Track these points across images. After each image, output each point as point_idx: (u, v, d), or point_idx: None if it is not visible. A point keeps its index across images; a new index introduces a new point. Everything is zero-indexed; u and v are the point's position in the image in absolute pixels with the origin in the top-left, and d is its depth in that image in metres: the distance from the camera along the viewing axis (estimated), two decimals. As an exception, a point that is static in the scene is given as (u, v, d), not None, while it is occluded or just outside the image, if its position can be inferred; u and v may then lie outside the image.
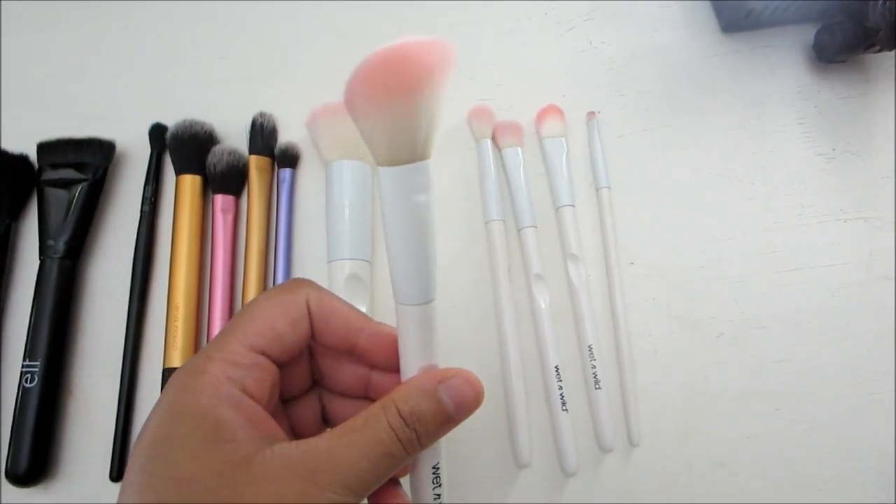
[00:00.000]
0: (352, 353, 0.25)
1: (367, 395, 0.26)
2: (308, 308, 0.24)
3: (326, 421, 0.27)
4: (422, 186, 0.21)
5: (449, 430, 0.23)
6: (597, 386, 0.38)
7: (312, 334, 0.24)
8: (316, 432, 0.24)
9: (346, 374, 0.26)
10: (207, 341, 0.38)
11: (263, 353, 0.23)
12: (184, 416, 0.20)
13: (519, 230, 0.41)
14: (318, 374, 0.27)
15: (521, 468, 0.37)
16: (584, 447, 0.37)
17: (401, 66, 0.18)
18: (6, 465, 0.35)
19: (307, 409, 0.27)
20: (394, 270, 0.22)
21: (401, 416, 0.21)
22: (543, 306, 0.39)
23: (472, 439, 0.37)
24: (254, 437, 0.20)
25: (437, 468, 0.24)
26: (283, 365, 0.24)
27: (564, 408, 0.37)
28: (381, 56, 0.18)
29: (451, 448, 0.37)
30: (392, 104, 0.19)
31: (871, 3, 0.39)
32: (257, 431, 0.21)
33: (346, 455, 0.20)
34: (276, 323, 0.23)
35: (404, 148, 0.20)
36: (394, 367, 0.24)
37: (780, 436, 0.38)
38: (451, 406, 0.22)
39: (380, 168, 0.21)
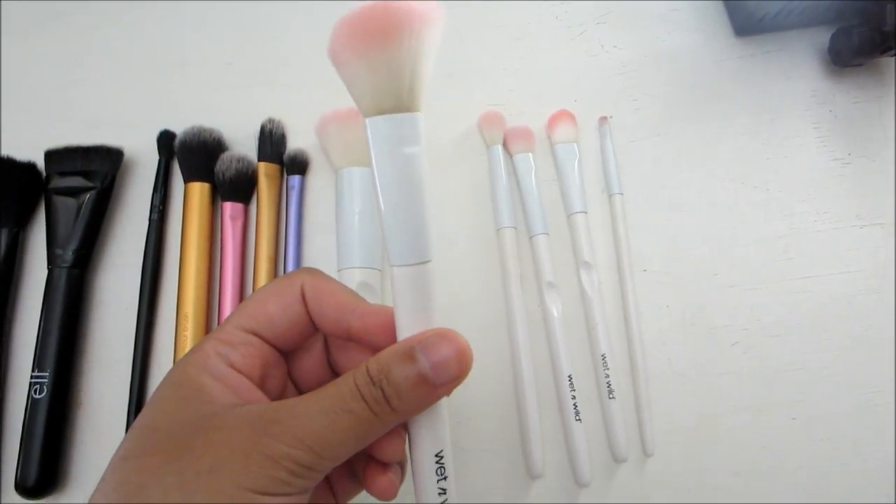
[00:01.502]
0: (348, 336, 0.24)
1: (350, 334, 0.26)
2: (302, 293, 0.24)
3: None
4: (410, 138, 0.20)
5: (431, 396, 0.21)
6: (610, 395, 0.37)
7: (312, 320, 0.25)
8: (279, 389, 0.26)
9: (356, 362, 0.25)
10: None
11: (255, 333, 0.24)
12: (173, 384, 0.22)
13: (531, 237, 0.40)
14: (335, 367, 0.26)
15: (534, 479, 0.37)
16: (597, 457, 0.37)
17: (381, 14, 0.19)
18: (16, 477, 0.34)
19: None
20: (385, 229, 0.21)
21: (368, 374, 0.20)
22: (556, 314, 0.38)
23: (484, 450, 0.37)
24: (233, 402, 0.21)
25: (441, 456, 0.22)
26: (289, 350, 0.25)
27: (578, 417, 0.36)
28: (364, 6, 0.19)
29: (463, 458, 0.37)
30: (372, 49, 0.20)
31: (888, 6, 0.39)
32: (239, 398, 0.22)
33: (305, 409, 0.20)
34: (268, 306, 0.24)
35: (388, 96, 0.20)
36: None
37: (796, 445, 0.38)
38: (427, 367, 0.20)
39: (365, 119, 0.21)
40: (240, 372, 0.23)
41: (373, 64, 0.20)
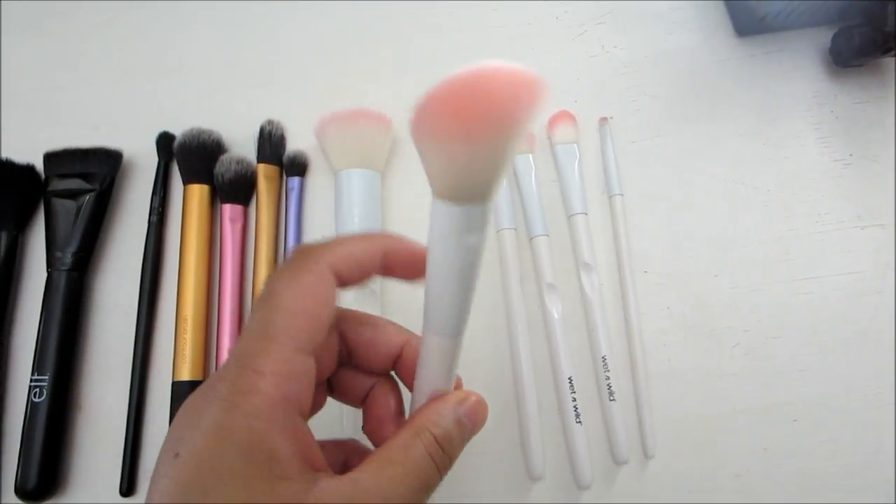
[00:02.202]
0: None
1: (396, 370, 0.26)
2: (336, 273, 0.22)
3: (330, 390, 0.26)
4: (475, 227, 0.19)
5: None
6: (611, 397, 0.37)
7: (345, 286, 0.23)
8: (320, 402, 0.25)
9: (384, 343, 0.25)
10: (217, 353, 0.38)
11: (309, 352, 0.21)
12: (234, 444, 0.18)
13: (531, 238, 0.40)
14: (346, 354, 0.26)
15: (535, 481, 0.36)
16: (598, 459, 0.37)
17: (484, 97, 0.16)
18: (16, 481, 0.34)
19: (318, 392, 0.26)
20: (430, 299, 0.21)
21: (437, 442, 0.22)
22: (556, 316, 0.38)
23: (484, 452, 0.37)
24: (303, 470, 0.19)
25: None
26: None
27: (578, 420, 0.36)
28: (463, 81, 0.16)
29: (464, 461, 0.37)
30: (466, 139, 0.16)
31: (889, 6, 0.38)
32: (305, 463, 0.20)
33: (393, 490, 0.20)
34: (312, 311, 0.21)
35: (468, 188, 0.18)
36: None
37: (798, 447, 0.37)
38: (469, 427, 0.23)
39: (435, 201, 0.19)
40: (303, 414, 0.20)
41: (461, 155, 0.17)
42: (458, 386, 0.25)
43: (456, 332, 0.22)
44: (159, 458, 0.20)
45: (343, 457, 0.25)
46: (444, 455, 0.22)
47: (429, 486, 0.21)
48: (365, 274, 0.23)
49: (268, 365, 0.20)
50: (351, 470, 0.22)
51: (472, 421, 0.23)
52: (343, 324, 0.25)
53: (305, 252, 0.22)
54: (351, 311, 0.25)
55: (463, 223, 0.19)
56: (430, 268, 0.20)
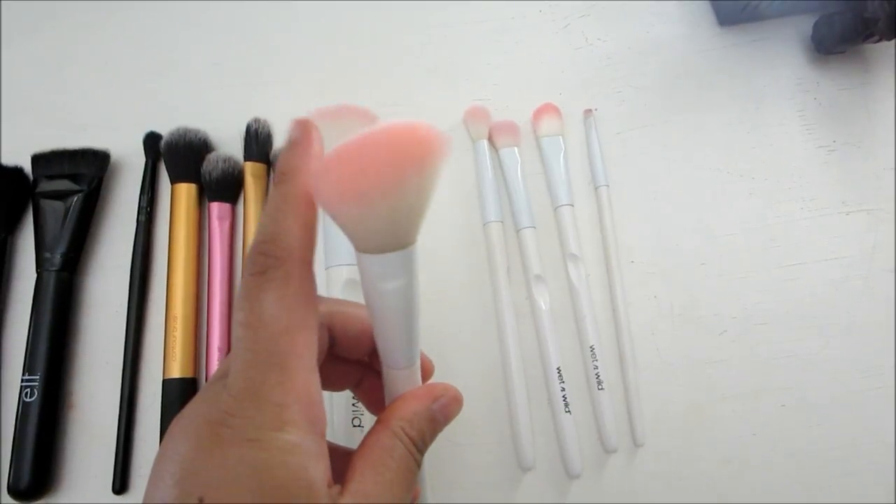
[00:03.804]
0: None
1: (366, 359, 0.27)
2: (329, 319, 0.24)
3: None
4: (396, 273, 0.20)
5: None
6: (599, 387, 0.37)
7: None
8: None
9: (365, 339, 0.25)
10: (207, 351, 0.38)
11: (316, 368, 0.20)
12: (272, 480, 0.18)
13: (518, 231, 0.40)
14: (332, 343, 0.25)
15: (525, 471, 0.37)
16: (587, 449, 0.37)
17: (380, 157, 0.17)
18: (8, 481, 0.35)
19: None
20: (378, 340, 0.23)
21: (413, 442, 0.23)
22: (544, 307, 0.39)
23: (475, 443, 0.37)
24: (329, 494, 0.19)
25: None
26: None
27: (567, 409, 0.37)
28: (358, 146, 0.17)
29: (454, 452, 0.37)
30: (369, 195, 0.17)
31: (869, -8, 0.39)
32: (328, 485, 0.20)
33: (394, 494, 0.21)
34: (310, 323, 0.20)
35: (382, 239, 0.19)
36: None
37: (786, 432, 0.38)
38: (442, 421, 0.24)
39: (356, 252, 0.19)
40: (323, 434, 0.20)
41: (368, 209, 0.18)
42: (427, 368, 0.26)
43: (409, 362, 0.23)
44: (172, 497, 0.18)
45: None
46: (419, 453, 0.23)
47: (413, 481, 0.23)
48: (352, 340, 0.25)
49: (289, 396, 0.19)
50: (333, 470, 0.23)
51: (444, 415, 0.24)
52: (329, 319, 0.25)
53: (267, 261, 0.20)
54: (334, 303, 0.25)
55: (382, 270, 0.19)
56: (370, 312, 0.21)
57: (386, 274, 0.20)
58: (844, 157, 0.42)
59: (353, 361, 0.27)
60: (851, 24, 0.40)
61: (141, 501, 0.19)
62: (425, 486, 0.26)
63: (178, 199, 0.40)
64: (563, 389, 0.37)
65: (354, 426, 0.34)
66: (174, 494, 0.18)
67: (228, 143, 0.42)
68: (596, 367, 0.37)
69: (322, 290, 0.25)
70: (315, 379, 0.20)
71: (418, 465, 0.23)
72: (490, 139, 0.42)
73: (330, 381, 0.27)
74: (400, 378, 0.24)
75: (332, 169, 0.17)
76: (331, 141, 0.41)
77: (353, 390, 0.28)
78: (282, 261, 0.19)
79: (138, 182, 0.41)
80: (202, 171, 0.40)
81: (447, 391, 0.24)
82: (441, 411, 0.24)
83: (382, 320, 0.22)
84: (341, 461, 0.22)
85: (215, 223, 0.40)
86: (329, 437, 0.21)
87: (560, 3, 0.46)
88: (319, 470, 0.19)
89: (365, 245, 0.19)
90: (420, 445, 0.23)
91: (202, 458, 0.18)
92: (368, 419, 0.33)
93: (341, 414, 0.34)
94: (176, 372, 0.37)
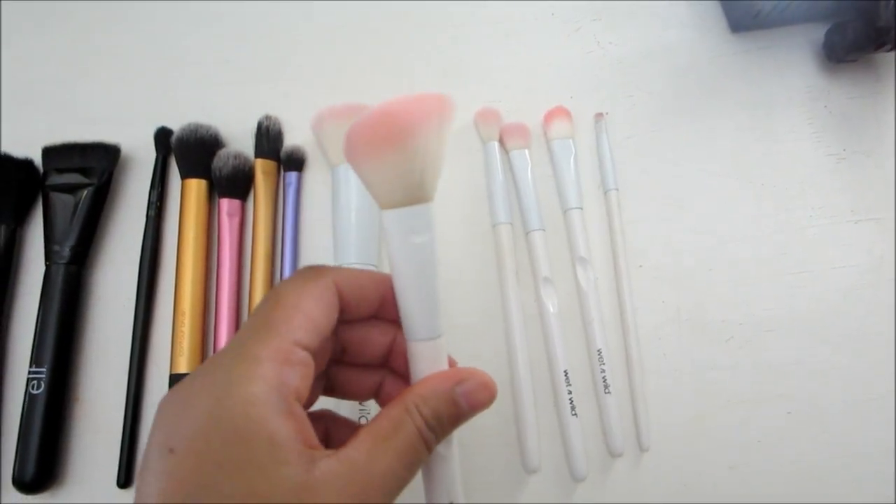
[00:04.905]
0: (379, 308, 0.25)
1: (388, 364, 0.26)
2: (339, 292, 0.23)
3: (329, 389, 0.27)
4: (420, 228, 0.22)
5: (460, 425, 0.24)
6: (606, 390, 0.37)
7: (343, 313, 0.24)
8: (312, 400, 0.25)
9: (374, 342, 0.26)
10: (214, 346, 0.38)
11: (308, 349, 0.21)
12: (233, 433, 0.18)
13: (527, 233, 0.40)
14: (339, 351, 0.26)
15: (531, 474, 0.37)
16: (593, 452, 0.37)
17: (390, 118, 0.21)
18: (13, 473, 0.35)
19: (315, 387, 0.26)
20: (403, 309, 0.23)
21: (424, 420, 0.22)
22: (552, 310, 0.39)
23: (480, 444, 0.37)
24: (302, 454, 0.19)
25: None
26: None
27: (574, 412, 0.37)
28: (376, 110, 0.21)
29: (460, 454, 0.37)
30: (382, 152, 0.21)
31: (882, 2, 0.39)
32: (304, 445, 0.20)
33: (389, 466, 0.21)
34: (314, 313, 0.22)
35: (400, 192, 0.22)
36: None
37: (792, 439, 0.38)
38: (466, 408, 0.23)
39: (381, 211, 0.22)
40: (300, 400, 0.20)
41: (384, 165, 0.21)
42: (452, 366, 0.25)
43: (435, 332, 0.23)
44: (149, 453, 0.19)
45: (323, 426, 0.25)
46: (432, 434, 0.22)
47: (418, 462, 0.22)
48: (366, 303, 0.24)
49: (265, 352, 0.20)
50: (334, 440, 0.23)
51: (469, 402, 0.23)
52: (336, 284, 0.25)
53: (313, 267, 0.24)
54: (336, 269, 0.25)
55: (409, 223, 0.22)
56: (396, 278, 0.23)
57: (412, 227, 0.22)
58: (854, 166, 0.42)
59: (370, 367, 0.26)
60: (863, 33, 0.41)
61: None
62: (456, 484, 0.24)
63: (187, 194, 0.40)
64: (570, 392, 0.37)
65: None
66: (151, 444, 0.19)
67: (239, 140, 0.42)
68: (603, 371, 0.37)
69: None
70: (301, 353, 0.21)
71: (428, 447, 0.22)
72: (501, 141, 0.42)
73: (349, 388, 0.27)
74: (425, 353, 0.23)
75: (358, 131, 0.21)
76: (342, 137, 0.42)
77: (375, 399, 0.27)
78: (314, 270, 0.23)
79: (148, 177, 0.41)
80: (213, 167, 0.40)
81: (474, 375, 0.23)
82: (465, 396, 0.23)
83: (407, 280, 0.23)
84: (352, 433, 0.22)
85: (225, 219, 0.40)
86: None
87: (572, 7, 0.46)
88: (285, 426, 0.19)
89: (391, 198, 0.22)
90: (434, 426, 0.22)
91: (176, 409, 0.20)
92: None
93: (347, 413, 0.34)
94: (183, 367, 0.37)
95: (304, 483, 0.19)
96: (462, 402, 0.23)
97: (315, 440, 0.21)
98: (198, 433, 0.19)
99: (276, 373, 0.20)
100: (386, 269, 0.39)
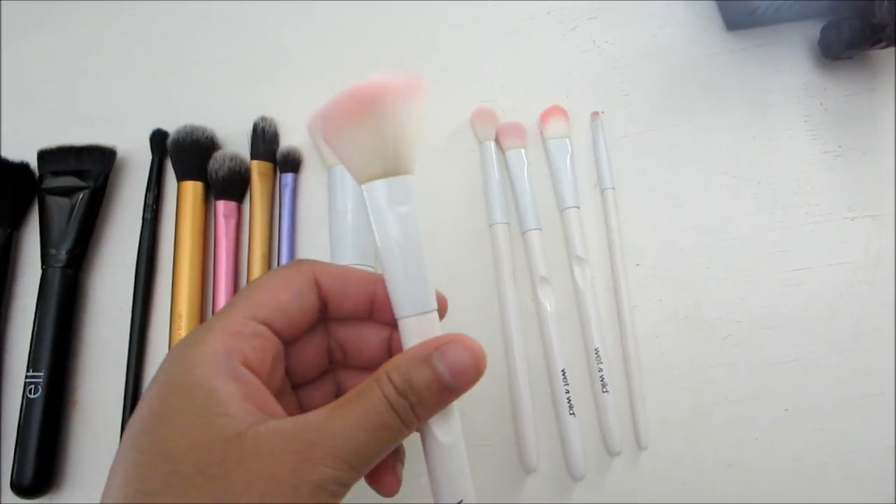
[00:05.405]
0: (371, 308, 0.25)
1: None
2: (317, 282, 0.24)
3: (339, 394, 0.26)
4: (400, 199, 0.22)
5: (450, 400, 0.22)
6: (604, 389, 0.37)
7: (327, 308, 0.24)
8: (279, 377, 0.24)
9: (370, 342, 0.26)
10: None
11: (266, 324, 0.22)
12: (178, 387, 0.20)
13: (523, 233, 0.40)
14: (339, 353, 0.26)
15: (529, 473, 0.37)
16: (591, 451, 0.37)
17: (358, 91, 0.22)
18: (12, 477, 0.35)
19: (322, 393, 0.26)
20: (388, 285, 0.23)
21: (393, 385, 0.21)
22: (549, 309, 0.39)
23: (478, 444, 0.37)
24: (248, 411, 0.20)
25: None
26: (291, 341, 0.24)
27: (571, 411, 0.37)
28: (346, 89, 0.22)
29: (458, 453, 0.37)
30: (353, 126, 0.22)
31: (877, -1, 0.39)
32: (252, 405, 0.20)
33: (342, 428, 0.20)
34: (280, 293, 0.23)
35: (375, 163, 0.22)
36: None
37: (790, 437, 0.38)
38: (447, 374, 0.21)
39: (362, 186, 0.23)
40: (252, 370, 0.21)
41: (356, 136, 0.22)
42: (443, 305, 0.24)
43: (423, 307, 0.23)
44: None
45: None
46: (402, 400, 0.20)
47: (386, 432, 0.20)
48: (350, 299, 0.25)
49: (219, 324, 0.21)
50: None
51: (449, 366, 0.21)
52: (333, 324, 0.26)
53: (297, 260, 0.25)
54: (318, 263, 0.25)
55: (389, 195, 0.22)
56: (380, 253, 0.23)
57: (393, 199, 0.22)
58: (850, 163, 0.42)
59: (373, 370, 0.26)
60: (859, 30, 0.40)
61: None
62: (465, 481, 0.23)
63: (184, 196, 0.40)
64: (568, 391, 0.37)
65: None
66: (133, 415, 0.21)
67: (235, 142, 0.42)
68: (600, 370, 0.38)
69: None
70: (255, 325, 0.22)
71: (400, 415, 0.20)
72: (497, 141, 0.42)
73: (360, 352, 0.26)
74: (415, 328, 0.22)
75: (330, 107, 0.22)
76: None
77: None
78: (296, 262, 0.25)
79: (144, 179, 0.41)
80: (209, 169, 0.40)
81: (456, 339, 0.22)
82: (443, 360, 0.21)
83: (392, 253, 0.23)
84: None
85: (221, 221, 0.40)
86: None
87: (568, 6, 0.46)
88: (229, 385, 0.20)
89: (368, 171, 0.22)
90: (406, 391, 0.20)
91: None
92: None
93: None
94: (180, 370, 0.36)
95: (240, 433, 0.19)
96: (440, 366, 0.21)
97: (275, 408, 0.21)
98: (153, 392, 0.20)
99: (223, 340, 0.21)
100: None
